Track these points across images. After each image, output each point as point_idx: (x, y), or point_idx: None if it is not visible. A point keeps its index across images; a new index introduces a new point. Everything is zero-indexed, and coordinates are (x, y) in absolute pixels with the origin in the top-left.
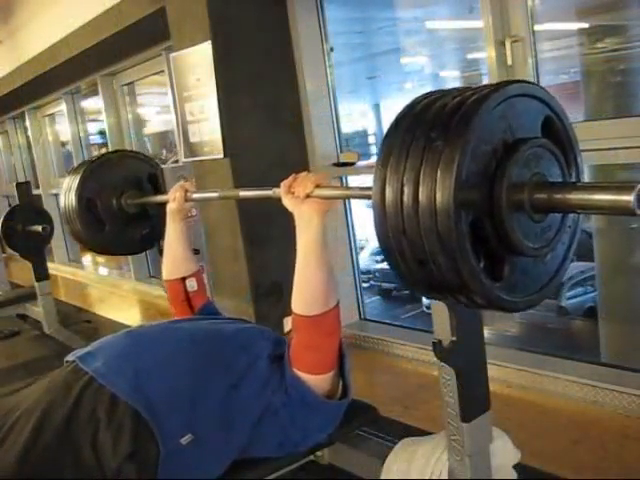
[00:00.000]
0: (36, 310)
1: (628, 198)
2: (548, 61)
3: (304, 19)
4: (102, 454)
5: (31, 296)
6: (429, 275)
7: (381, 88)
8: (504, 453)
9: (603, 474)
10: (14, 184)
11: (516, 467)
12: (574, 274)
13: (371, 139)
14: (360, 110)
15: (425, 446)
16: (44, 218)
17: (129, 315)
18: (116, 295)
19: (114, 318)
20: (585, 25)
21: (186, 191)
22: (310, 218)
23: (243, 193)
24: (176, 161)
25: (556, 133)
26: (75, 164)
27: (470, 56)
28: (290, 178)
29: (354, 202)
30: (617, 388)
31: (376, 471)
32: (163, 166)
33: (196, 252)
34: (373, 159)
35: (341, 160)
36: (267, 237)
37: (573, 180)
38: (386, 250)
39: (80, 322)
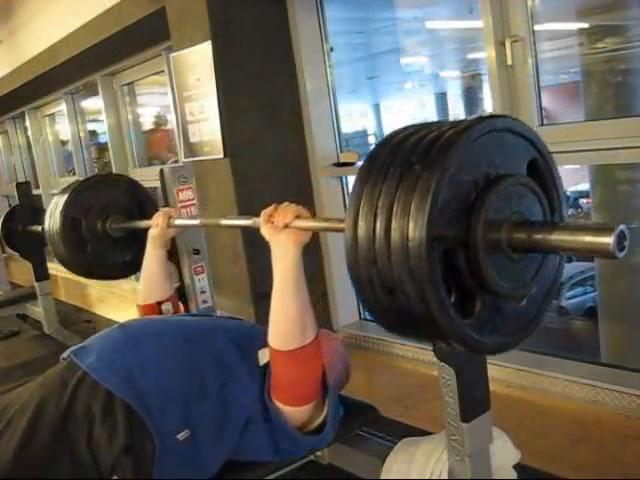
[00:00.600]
0: (36, 310)
1: (608, 240)
2: (548, 61)
3: (304, 19)
4: (98, 450)
5: (31, 296)
6: (397, 306)
7: (381, 88)
8: (504, 453)
9: (603, 474)
10: (14, 184)
11: (516, 467)
12: (574, 274)
13: (371, 139)
14: (360, 110)
15: (425, 446)
16: (44, 218)
17: (129, 315)
18: (116, 295)
19: (114, 318)
20: (585, 25)
21: (169, 217)
22: (287, 248)
23: (224, 222)
24: (176, 161)
25: (541, 175)
26: (75, 164)
27: (470, 56)
28: (271, 207)
29: None
30: (617, 388)
31: (376, 471)
32: (163, 166)
33: (196, 252)
34: None
35: (341, 160)
36: None
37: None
38: (355, 279)
39: (80, 322)
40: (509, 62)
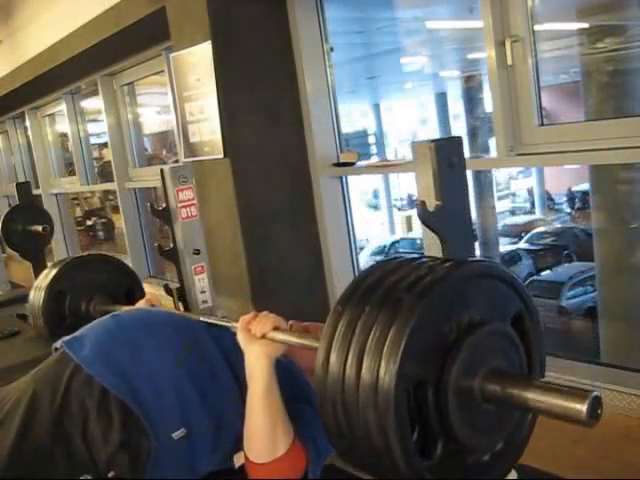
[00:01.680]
0: None
1: (579, 407)
2: (548, 61)
3: (304, 19)
4: (93, 445)
5: None
6: (356, 433)
7: (381, 88)
8: None
9: (603, 474)
10: (14, 184)
11: (516, 467)
12: (574, 274)
13: (371, 139)
14: (360, 110)
15: None
16: (44, 218)
17: None
18: None
19: None
20: (585, 25)
21: (152, 306)
22: (258, 358)
23: (203, 319)
24: (176, 161)
25: (525, 330)
26: (75, 164)
27: (470, 56)
28: (250, 315)
29: (354, 202)
30: (617, 388)
31: None
32: (163, 166)
33: (196, 252)
34: (373, 159)
35: (341, 160)
36: (267, 237)
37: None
38: (319, 399)
39: None
40: (509, 62)
